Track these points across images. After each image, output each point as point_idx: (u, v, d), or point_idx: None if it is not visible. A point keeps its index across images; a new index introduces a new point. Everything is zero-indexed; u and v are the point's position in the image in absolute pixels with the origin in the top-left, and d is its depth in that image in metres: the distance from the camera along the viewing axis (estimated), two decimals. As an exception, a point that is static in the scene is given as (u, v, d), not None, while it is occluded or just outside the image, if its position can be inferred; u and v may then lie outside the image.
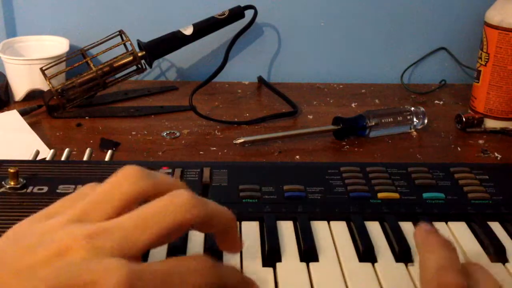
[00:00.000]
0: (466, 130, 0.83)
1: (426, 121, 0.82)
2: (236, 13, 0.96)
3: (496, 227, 0.48)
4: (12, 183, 0.51)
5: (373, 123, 0.79)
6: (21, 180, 0.51)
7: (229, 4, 0.96)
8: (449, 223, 0.49)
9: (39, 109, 0.86)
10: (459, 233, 0.48)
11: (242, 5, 0.96)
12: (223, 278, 0.33)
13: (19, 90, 0.91)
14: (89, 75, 0.85)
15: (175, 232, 0.33)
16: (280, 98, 0.94)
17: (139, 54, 0.88)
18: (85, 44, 0.88)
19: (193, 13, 0.96)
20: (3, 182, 0.51)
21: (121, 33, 0.87)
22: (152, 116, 0.88)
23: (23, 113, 0.84)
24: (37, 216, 0.34)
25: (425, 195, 0.52)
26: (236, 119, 0.86)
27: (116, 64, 0.87)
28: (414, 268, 0.43)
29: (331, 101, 0.95)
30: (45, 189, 0.51)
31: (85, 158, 0.63)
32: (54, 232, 0.32)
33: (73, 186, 0.51)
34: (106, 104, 0.91)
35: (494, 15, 0.81)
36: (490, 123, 0.84)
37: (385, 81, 1.04)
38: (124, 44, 0.87)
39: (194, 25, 0.93)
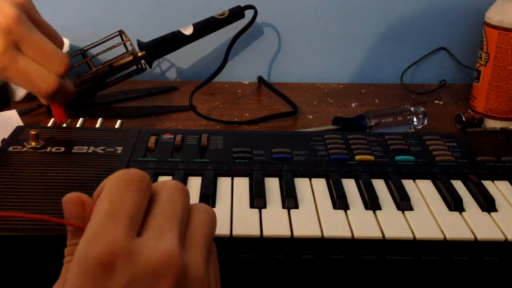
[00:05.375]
0: (466, 130, 0.83)
1: (426, 121, 0.82)
2: (236, 13, 0.96)
3: (458, 184, 0.55)
4: (33, 143, 0.58)
5: (373, 123, 0.79)
6: (41, 141, 0.58)
7: (229, 4, 0.96)
8: (416, 181, 0.56)
9: (39, 109, 0.86)
10: (424, 188, 0.54)
11: (242, 5, 0.96)
12: None
13: (19, 90, 0.90)
14: (89, 75, 0.85)
15: None
16: (280, 98, 0.94)
17: (139, 54, 0.88)
18: (85, 44, 0.88)
19: (193, 13, 0.96)
20: (25, 143, 0.58)
21: (121, 33, 0.87)
22: (152, 116, 0.88)
23: (23, 113, 0.84)
24: None
25: (397, 157, 0.59)
26: (236, 119, 0.86)
27: (116, 64, 0.87)
28: (381, 213, 0.50)
29: (331, 101, 0.95)
30: (62, 149, 0.58)
31: (97, 126, 0.73)
32: None
33: (87, 147, 0.58)
34: (106, 104, 0.91)
35: (494, 15, 0.81)
36: (490, 123, 0.84)
37: (385, 81, 1.04)
38: (124, 44, 0.87)
39: (194, 25, 0.93)
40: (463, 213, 0.51)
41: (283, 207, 0.50)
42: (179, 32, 0.92)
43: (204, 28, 0.94)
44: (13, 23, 0.56)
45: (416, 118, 0.82)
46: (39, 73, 0.58)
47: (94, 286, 0.30)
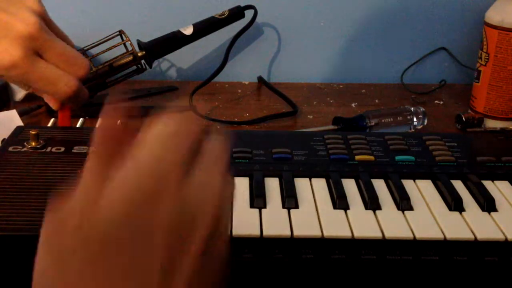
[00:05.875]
0: (466, 130, 0.83)
1: (426, 121, 0.82)
2: (236, 13, 0.96)
3: (458, 184, 0.55)
4: (33, 143, 0.58)
5: (373, 123, 0.79)
6: (41, 141, 0.58)
7: (229, 4, 0.96)
8: (416, 181, 0.56)
9: (39, 109, 0.86)
10: (424, 188, 0.54)
11: (242, 5, 0.96)
12: None
13: (19, 90, 0.90)
14: (89, 75, 0.85)
15: None
16: (280, 98, 0.94)
17: (139, 54, 0.88)
18: (85, 44, 0.88)
19: (193, 13, 0.96)
20: (25, 143, 0.58)
21: (121, 33, 0.87)
22: (152, 116, 0.87)
23: (23, 113, 0.84)
24: None
25: (397, 157, 0.59)
26: (236, 119, 0.86)
27: (116, 64, 0.87)
28: (381, 213, 0.50)
29: (331, 101, 0.95)
30: (62, 149, 0.58)
31: (97, 126, 0.69)
32: None
33: (87, 147, 0.58)
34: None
35: (494, 15, 0.81)
36: (490, 123, 0.84)
37: (385, 81, 1.04)
38: (124, 44, 0.87)
39: (194, 25, 0.93)
40: (463, 213, 0.51)
41: (283, 207, 0.50)
42: (179, 32, 0.92)
43: (204, 28, 0.94)
44: (35, 31, 0.58)
45: (416, 118, 0.82)
46: (59, 76, 0.61)
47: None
